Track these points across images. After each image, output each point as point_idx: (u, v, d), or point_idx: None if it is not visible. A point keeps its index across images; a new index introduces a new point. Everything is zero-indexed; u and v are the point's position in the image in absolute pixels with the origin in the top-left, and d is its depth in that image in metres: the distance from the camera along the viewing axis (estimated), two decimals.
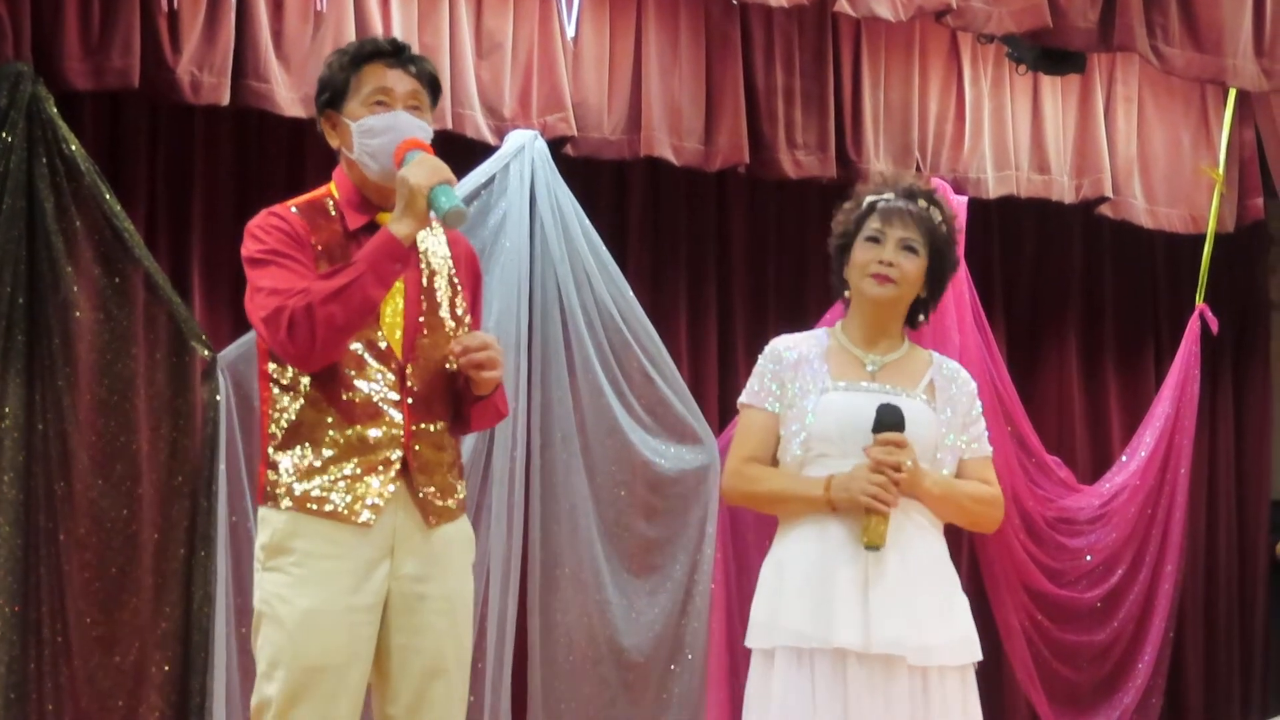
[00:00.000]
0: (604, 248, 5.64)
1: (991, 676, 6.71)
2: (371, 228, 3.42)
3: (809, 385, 3.66)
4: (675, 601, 5.63)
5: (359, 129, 3.42)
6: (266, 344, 3.39)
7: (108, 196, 4.99)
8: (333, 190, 3.51)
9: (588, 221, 5.64)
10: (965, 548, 6.59)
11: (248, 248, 3.42)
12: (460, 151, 5.58)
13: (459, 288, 3.55)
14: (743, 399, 3.76)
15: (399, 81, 3.45)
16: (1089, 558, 6.61)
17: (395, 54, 3.48)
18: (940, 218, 3.73)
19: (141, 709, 5.04)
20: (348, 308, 3.26)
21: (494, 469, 5.38)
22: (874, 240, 3.67)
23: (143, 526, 5.07)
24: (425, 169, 3.30)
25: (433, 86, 3.53)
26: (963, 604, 3.68)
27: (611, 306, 5.59)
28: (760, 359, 3.77)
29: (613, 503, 5.53)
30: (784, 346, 3.75)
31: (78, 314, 4.97)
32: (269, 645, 3.36)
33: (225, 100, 5.18)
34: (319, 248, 3.41)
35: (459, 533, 3.51)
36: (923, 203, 3.71)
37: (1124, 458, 6.75)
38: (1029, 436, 6.45)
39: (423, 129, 3.43)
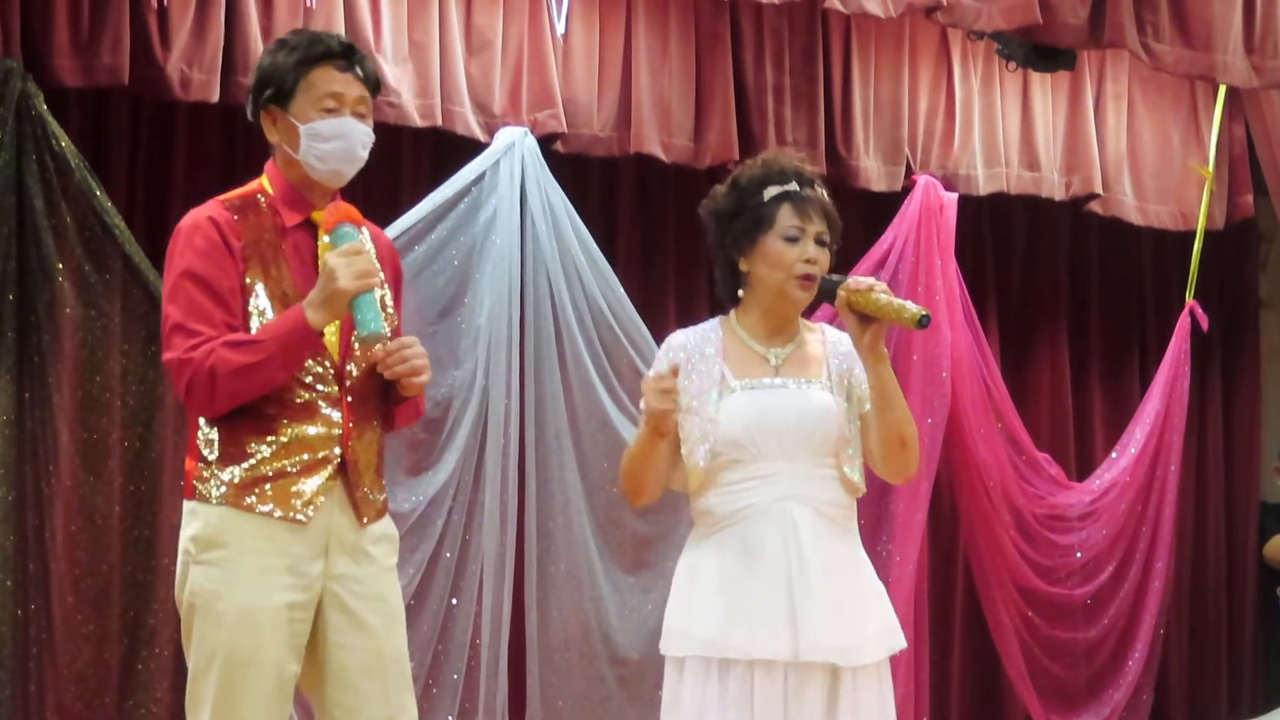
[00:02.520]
0: (594, 244, 5.63)
1: (989, 675, 6.72)
2: (306, 225, 3.41)
3: (706, 385, 3.51)
4: (668, 598, 5.61)
5: (308, 132, 3.40)
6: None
7: (98, 193, 4.98)
8: (265, 185, 3.47)
9: (578, 218, 5.63)
10: (961, 545, 6.60)
11: (172, 248, 3.39)
12: (450, 148, 5.59)
13: (384, 284, 3.51)
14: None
15: (349, 86, 3.43)
16: (1079, 554, 6.61)
17: (345, 56, 3.46)
18: (828, 199, 3.60)
19: (128, 705, 5.04)
20: (251, 384, 3.28)
21: (486, 466, 5.37)
22: (793, 240, 3.51)
23: (134, 523, 5.07)
24: (353, 272, 3.28)
25: (375, 89, 3.53)
26: (880, 593, 3.55)
27: (602, 303, 5.59)
28: (659, 354, 3.62)
29: (605, 499, 5.52)
30: (678, 343, 3.60)
31: (67, 310, 4.96)
32: (201, 641, 3.33)
33: (215, 97, 5.17)
34: (246, 249, 3.37)
35: (385, 531, 3.50)
36: (819, 188, 3.59)
37: (1114, 454, 6.75)
38: (1019, 433, 6.45)
39: (367, 134, 3.44)
